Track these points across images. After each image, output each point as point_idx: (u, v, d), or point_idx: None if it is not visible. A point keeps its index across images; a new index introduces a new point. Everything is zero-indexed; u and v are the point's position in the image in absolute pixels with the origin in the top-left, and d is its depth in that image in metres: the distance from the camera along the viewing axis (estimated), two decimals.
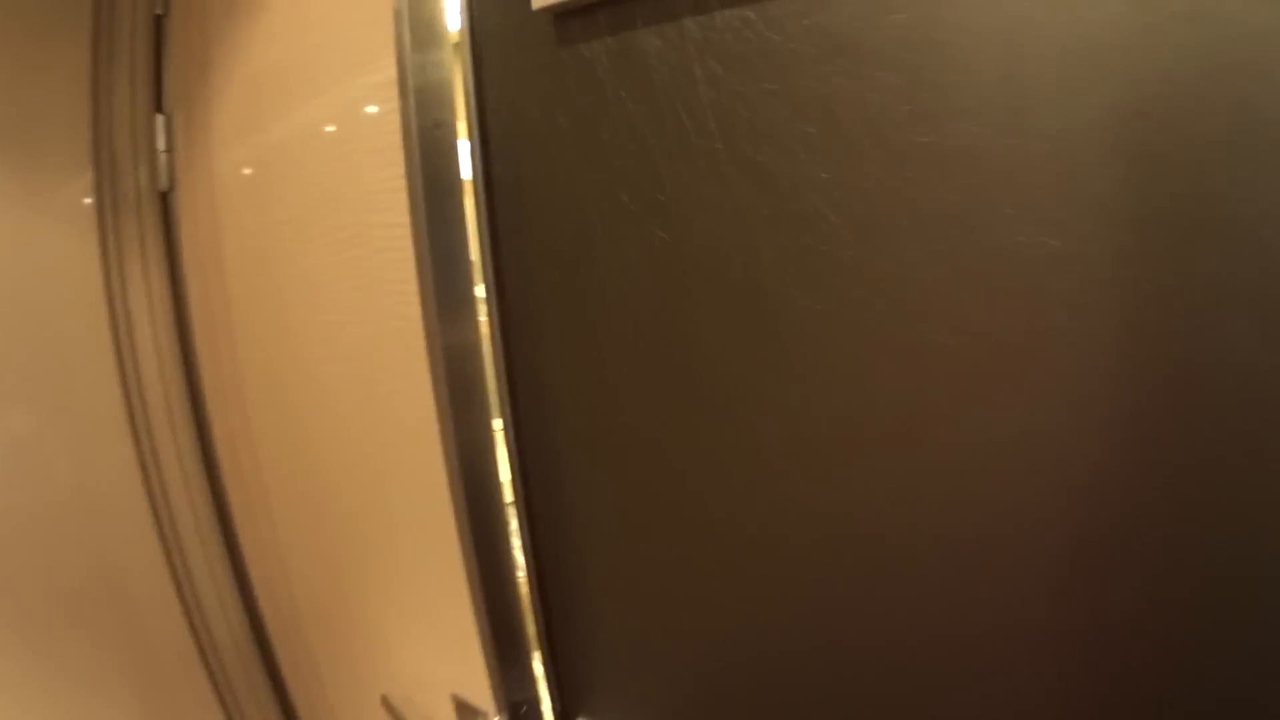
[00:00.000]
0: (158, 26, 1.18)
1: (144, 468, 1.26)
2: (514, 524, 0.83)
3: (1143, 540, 0.44)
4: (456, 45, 0.72)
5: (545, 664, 0.82)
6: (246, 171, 1.06)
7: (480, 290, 0.77)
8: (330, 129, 0.89)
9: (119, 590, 1.24)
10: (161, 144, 1.19)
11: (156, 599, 1.28)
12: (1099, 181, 0.42)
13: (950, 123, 0.46)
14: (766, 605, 0.62)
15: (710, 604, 0.66)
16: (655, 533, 0.68)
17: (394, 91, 0.71)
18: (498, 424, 0.81)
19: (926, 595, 0.52)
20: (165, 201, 1.23)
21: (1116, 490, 0.44)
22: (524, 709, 0.83)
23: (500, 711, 0.83)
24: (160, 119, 1.19)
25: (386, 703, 1.06)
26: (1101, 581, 0.45)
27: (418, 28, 0.70)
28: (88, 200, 1.19)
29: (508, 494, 0.82)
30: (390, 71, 0.72)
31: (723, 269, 0.57)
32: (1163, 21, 0.39)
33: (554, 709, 0.82)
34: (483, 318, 0.78)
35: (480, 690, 0.86)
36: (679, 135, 0.57)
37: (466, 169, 0.73)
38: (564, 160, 0.64)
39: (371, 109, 0.80)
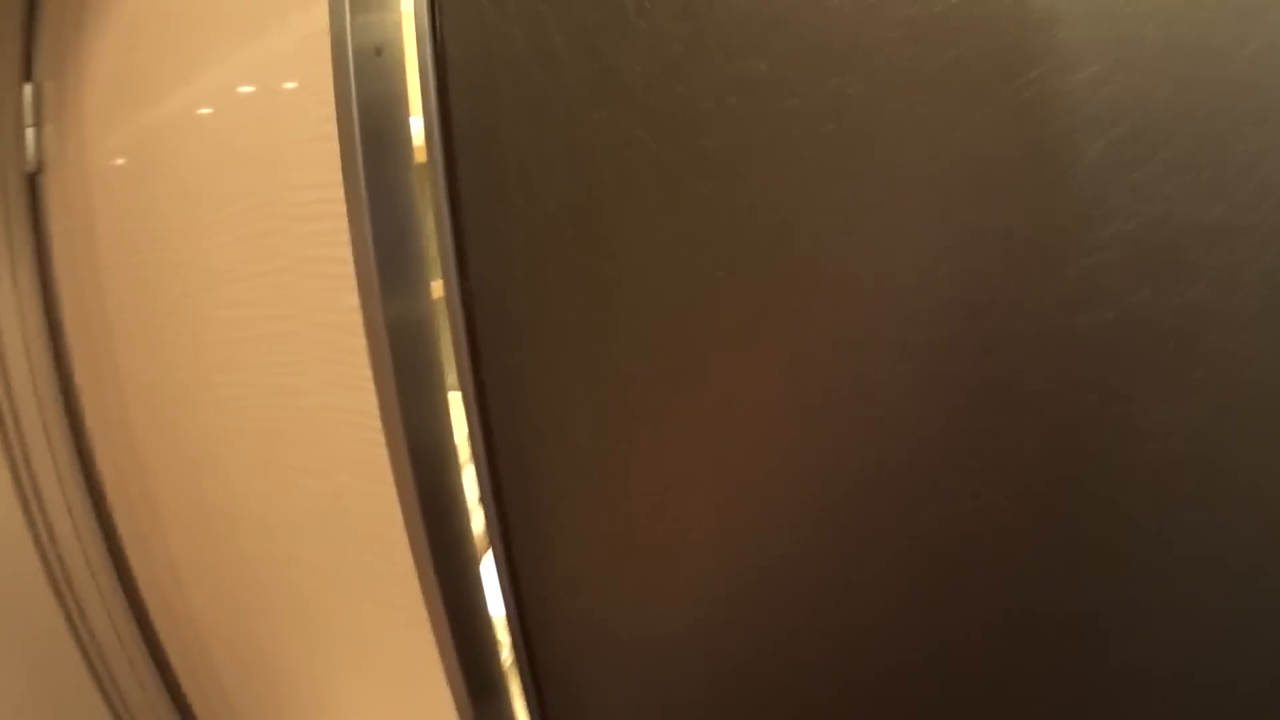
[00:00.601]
0: None
1: (20, 487, 1.09)
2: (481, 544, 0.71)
3: None
4: None
5: (528, 698, 0.69)
6: (124, 142, 0.86)
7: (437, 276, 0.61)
8: (232, 65, 0.69)
9: (10, 627, 1.09)
10: (29, 117, 1.01)
11: (52, 642, 1.13)
12: None
13: (1125, 80, 0.33)
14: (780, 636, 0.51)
15: (715, 635, 0.55)
16: (668, 568, 0.55)
17: (323, 8, 0.53)
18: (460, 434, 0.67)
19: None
20: (33, 185, 1.05)
21: None
22: None
23: None
24: (28, 88, 1.01)
25: None
26: None
27: None
28: None
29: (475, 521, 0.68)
30: None
31: (789, 240, 0.43)
32: None
33: None
34: (439, 302, 0.62)
35: None
36: (729, 60, 0.42)
37: (417, 110, 0.56)
38: (559, 97, 0.49)
39: (290, 32, 0.62)
